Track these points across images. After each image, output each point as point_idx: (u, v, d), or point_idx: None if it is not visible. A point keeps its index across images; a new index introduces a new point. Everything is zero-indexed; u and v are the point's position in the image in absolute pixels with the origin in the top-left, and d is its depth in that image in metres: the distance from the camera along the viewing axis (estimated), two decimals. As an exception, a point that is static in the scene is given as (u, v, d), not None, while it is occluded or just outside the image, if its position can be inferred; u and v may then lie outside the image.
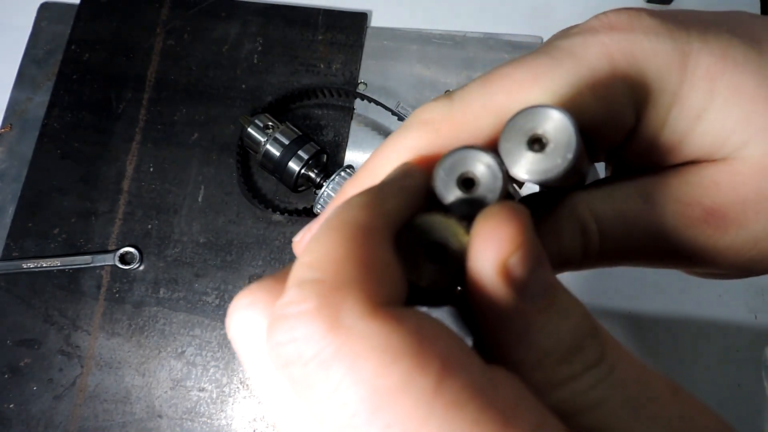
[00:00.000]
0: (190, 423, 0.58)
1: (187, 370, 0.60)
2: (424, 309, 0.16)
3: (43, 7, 0.72)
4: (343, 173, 0.60)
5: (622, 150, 0.24)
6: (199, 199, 0.65)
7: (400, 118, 0.65)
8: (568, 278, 0.51)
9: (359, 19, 0.70)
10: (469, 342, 0.17)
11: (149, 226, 0.64)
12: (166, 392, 0.59)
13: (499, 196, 0.18)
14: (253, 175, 0.66)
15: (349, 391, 0.14)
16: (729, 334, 0.59)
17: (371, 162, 0.22)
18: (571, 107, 0.20)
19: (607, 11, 0.22)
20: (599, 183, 0.24)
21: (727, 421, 0.18)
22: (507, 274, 0.16)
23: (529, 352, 0.17)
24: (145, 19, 0.71)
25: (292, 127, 0.62)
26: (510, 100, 0.21)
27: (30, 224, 0.64)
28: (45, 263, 0.62)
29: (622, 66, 0.21)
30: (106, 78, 0.69)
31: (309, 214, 0.63)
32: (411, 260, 0.17)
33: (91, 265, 0.63)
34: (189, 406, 0.59)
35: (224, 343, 0.60)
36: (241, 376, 0.60)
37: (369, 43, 0.70)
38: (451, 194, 0.19)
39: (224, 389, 0.59)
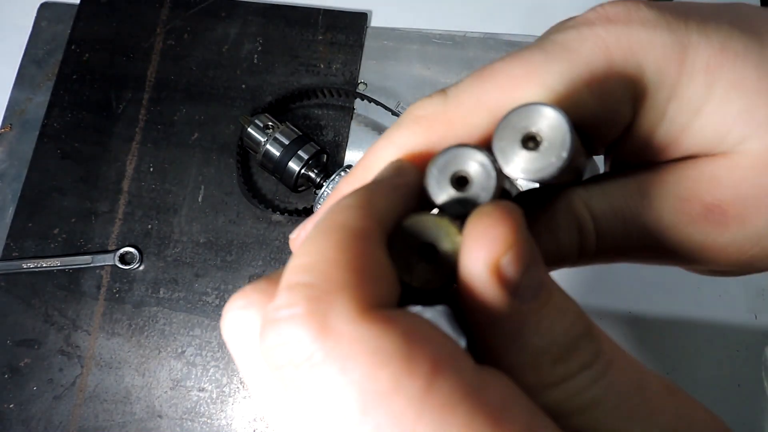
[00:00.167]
0: (190, 423, 0.58)
1: (187, 370, 0.60)
2: (417, 308, 0.16)
3: (43, 7, 0.72)
4: (343, 173, 0.60)
5: (619, 145, 0.23)
6: (199, 199, 0.65)
7: (400, 118, 0.65)
8: (567, 278, 0.51)
9: (359, 19, 0.70)
10: (463, 342, 0.16)
11: (149, 226, 0.64)
12: (166, 392, 0.59)
13: (492, 195, 0.18)
14: (253, 175, 0.66)
15: (339, 393, 0.14)
16: (729, 334, 0.59)
17: (366, 159, 0.22)
18: (567, 103, 0.20)
19: (604, 3, 0.22)
20: (596, 179, 0.24)
21: (724, 420, 0.17)
22: (499, 275, 0.16)
23: (523, 352, 0.16)
24: (145, 19, 0.71)
25: (292, 127, 0.62)
26: (504, 97, 0.20)
27: (30, 224, 0.64)
28: (45, 263, 0.62)
29: (619, 59, 0.20)
30: (106, 78, 0.69)
31: (309, 214, 0.63)
32: (403, 260, 0.17)
33: (91, 265, 0.63)
34: (189, 406, 0.59)
35: (224, 343, 0.60)
36: (240, 376, 0.60)
37: (369, 43, 0.70)
38: (444, 193, 0.19)
39: (224, 389, 0.59)
